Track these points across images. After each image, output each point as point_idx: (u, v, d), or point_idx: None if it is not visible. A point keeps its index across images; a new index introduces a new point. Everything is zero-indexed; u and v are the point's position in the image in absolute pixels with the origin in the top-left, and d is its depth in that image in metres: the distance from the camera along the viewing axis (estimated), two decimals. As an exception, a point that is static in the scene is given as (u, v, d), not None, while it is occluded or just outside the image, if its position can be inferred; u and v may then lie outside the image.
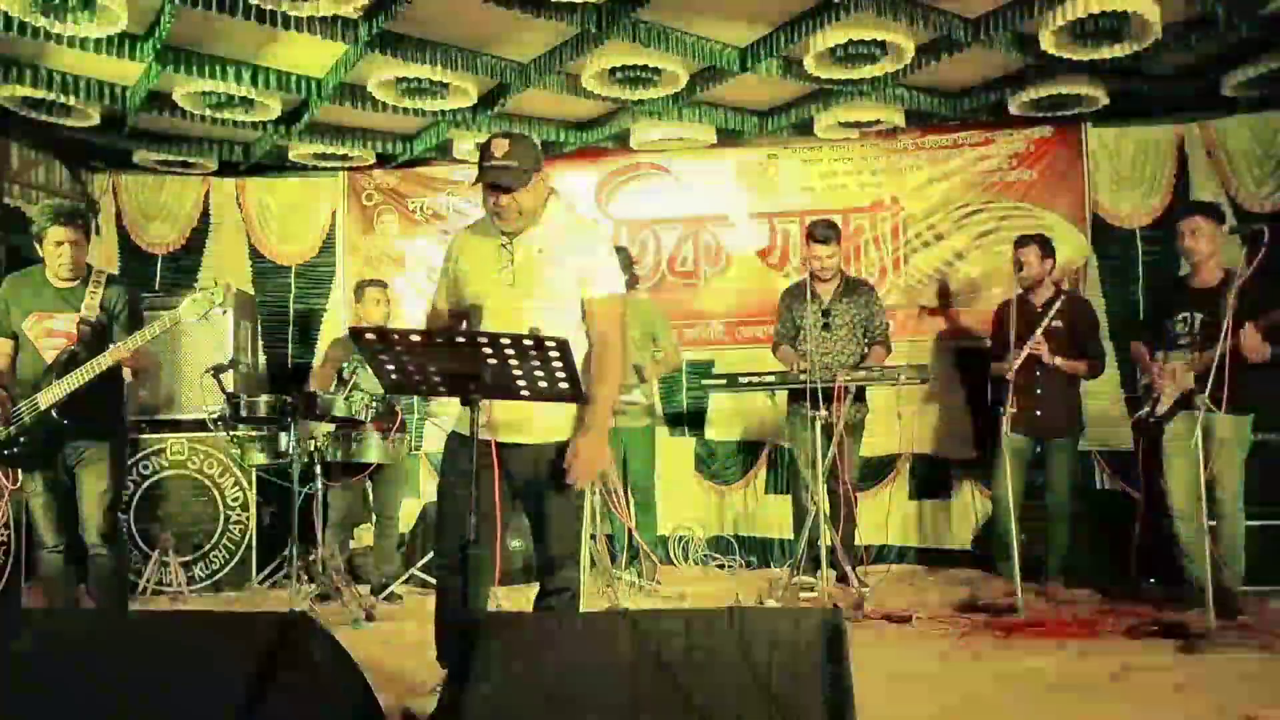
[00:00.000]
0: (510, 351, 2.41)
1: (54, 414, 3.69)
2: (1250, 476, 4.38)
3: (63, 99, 5.22)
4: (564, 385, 2.51)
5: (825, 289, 5.30)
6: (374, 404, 4.88)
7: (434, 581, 3.47)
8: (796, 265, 6.33)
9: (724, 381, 5.11)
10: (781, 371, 5.02)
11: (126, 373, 3.88)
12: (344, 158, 6.44)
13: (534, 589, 3.09)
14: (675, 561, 6.22)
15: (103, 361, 3.68)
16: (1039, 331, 4.84)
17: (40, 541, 3.95)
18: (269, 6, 4.19)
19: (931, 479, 6.14)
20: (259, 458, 4.97)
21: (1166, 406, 4.42)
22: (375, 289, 5.61)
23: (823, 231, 5.23)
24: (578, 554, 3.06)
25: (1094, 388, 5.19)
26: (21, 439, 3.72)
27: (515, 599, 4.63)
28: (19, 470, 4.01)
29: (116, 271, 6.26)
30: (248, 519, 5.62)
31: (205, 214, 6.72)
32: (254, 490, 5.61)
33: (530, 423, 2.89)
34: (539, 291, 2.92)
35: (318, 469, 4.78)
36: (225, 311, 4.66)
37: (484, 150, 2.87)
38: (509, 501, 2.99)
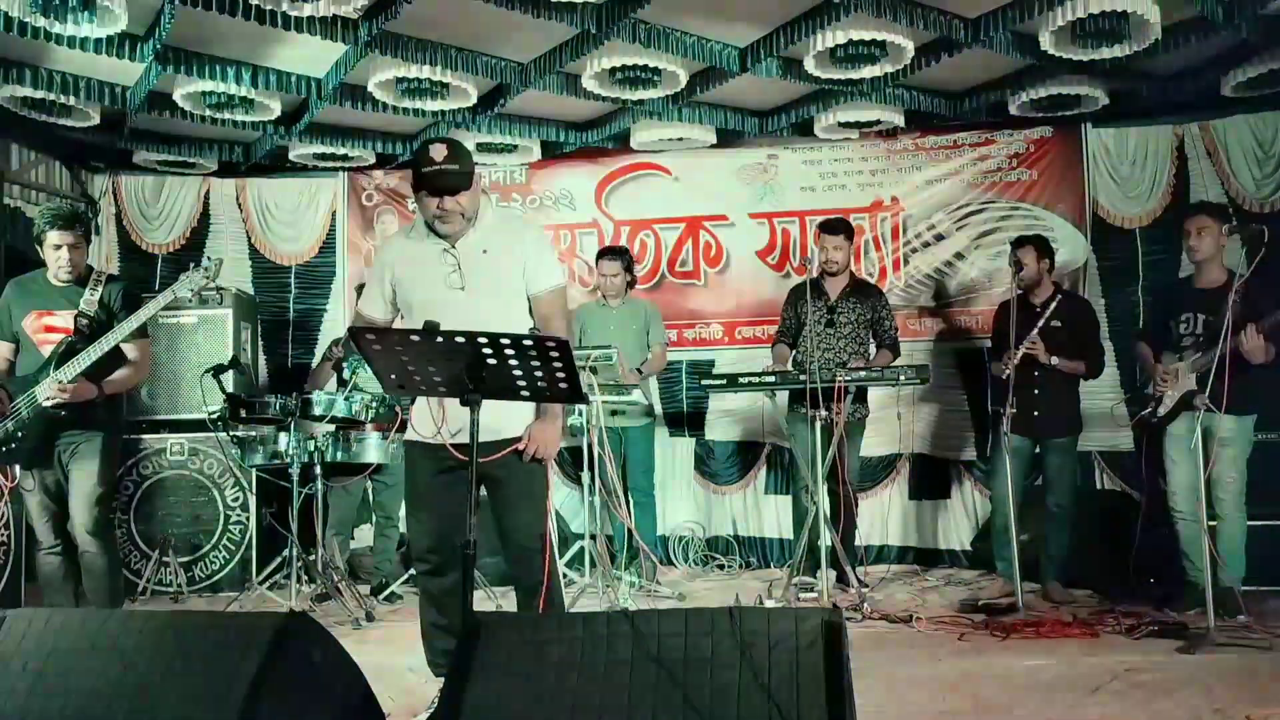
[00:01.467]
0: (510, 352, 2.41)
1: (48, 404, 3.69)
2: (1250, 476, 4.38)
3: (63, 99, 5.21)
4: (564, 385, 2.50)
5: (833, 285, 5.31)
6: (374, 404, 4.88)
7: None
8: (796, 265, 6.33)
9: (724, 381, 5.11)
10: (782, 371, 5.02)
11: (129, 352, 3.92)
12: (344, 158, 6.43)
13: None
14: (675, 561, 6.22)
15: (104, 344, 3.70)
16: (1034, 331, 4.85)
17: (37, 542, 3.96)
18: (269, 6, 4.19)
19: (931, 479, 6.13)
20: (259, 458, 4.97)
21: (1169, 407, 4.42)
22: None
23: (833, 223, 5.28)
24: (542, 545, 2.99)
25: (1094, 388, 5.18)
26: (19, 434, 3.72)
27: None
28: (17, 468, 4.01)
29: (116, 271, 6.25)
30: (247, 519, 5.61)
31: (205, 214, 6.70)
32: (254, 490, 5.61)
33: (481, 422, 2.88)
34: (491, 292, 2.97)
35: (318, 469, 4.78)
36: (216, 287, 4.68)
37: (422, 157, 2.86)
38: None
